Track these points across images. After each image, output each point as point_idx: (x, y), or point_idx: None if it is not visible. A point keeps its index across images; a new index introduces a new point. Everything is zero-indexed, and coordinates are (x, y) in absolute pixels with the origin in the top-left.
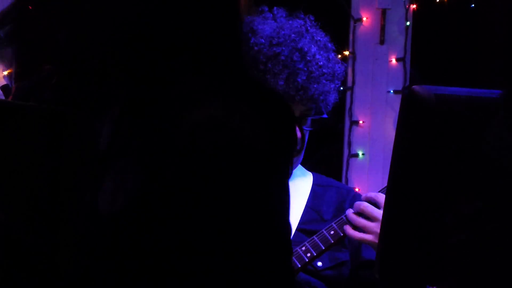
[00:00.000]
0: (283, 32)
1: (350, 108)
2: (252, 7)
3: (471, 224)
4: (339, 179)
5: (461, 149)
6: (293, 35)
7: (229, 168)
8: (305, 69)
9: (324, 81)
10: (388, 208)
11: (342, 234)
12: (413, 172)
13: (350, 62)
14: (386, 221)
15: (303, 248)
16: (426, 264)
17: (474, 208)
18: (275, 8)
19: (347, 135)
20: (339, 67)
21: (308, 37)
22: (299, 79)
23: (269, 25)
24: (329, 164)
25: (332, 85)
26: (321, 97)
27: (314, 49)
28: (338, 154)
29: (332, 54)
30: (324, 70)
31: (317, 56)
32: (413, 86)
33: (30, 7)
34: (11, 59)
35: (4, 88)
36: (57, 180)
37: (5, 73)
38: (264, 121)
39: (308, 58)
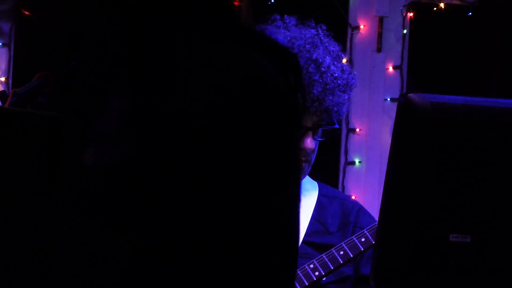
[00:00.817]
0: (297, 43)
1: (347, 116)
2: (251, 14)
3: (467, 228)
4: (336, 187)
5: (457, 157)
6: (307, 45)
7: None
8: (321, 80)
9: (338, 92)
10: (383, 216)
11: (352, 255)
12: (408, 180)
13: None
14: (381, 229)
15: (311, 266)
16: (420, 272)
17: (469, 211)
18: (286, 16)
19: (344, 142)
20: (352, 77)
21: (322, 48)
22: (314, 91)
23: (282, 35)
24: (325, 172)
25: (346, 96)
26: (335, 108)
27: (328, 60)
28: (335, 162)
29: (345, 64)
30: (339, 82)
31: (332, 68)
32: (409, 94)
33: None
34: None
35: (1, 94)
36: (53, 184)
37: (2, 79)
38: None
39: (322, 69)
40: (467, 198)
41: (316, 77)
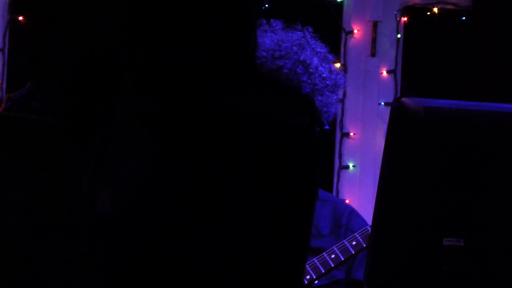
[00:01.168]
0: (284, 45)
1: (341, 120)
2: None
3: (460, 232)
4: (330, 191)
5: (450, 161)
6: (294, 47)
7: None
8: (309, 81)
9: (327, 92)
10: (377, 220)
11: (343, 259)
12: (402, 184)
13: None
14: (375, 233)
15: None
16: (414, 276)
17: (462, 216)
18: (272, 20)
19: (338, 147)
20: (340, 78)
21: (309, 49)
22: (303, 92)
23: (269, 38)
24: (320, 176)
25: (335, 96)
26: (325, 109)
27: (316, 61)
28: (329, 166)
29: (333, 65)
30: (327, 82)
31: (320, 68)
32: (402, 98)
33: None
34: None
35: None
36: (48, 190)
37: None
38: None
39: (311, 70)
40: (460, 202)
41: (305, 78)
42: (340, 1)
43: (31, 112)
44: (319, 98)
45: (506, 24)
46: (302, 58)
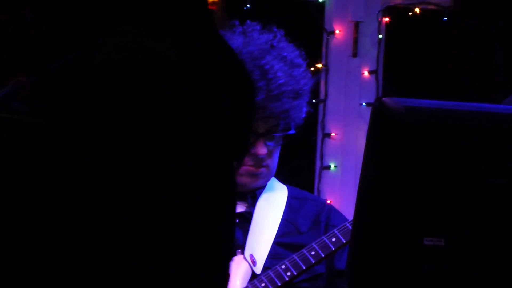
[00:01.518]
0: (245, 50)
1: (323, 121)
2: (225, 20)
3: (440, 232)
4: (311, 191)
5: (431, 161)
6: (256, 52)
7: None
8: (264, 88)
9: (284, 99)
10: (357, 220)
11: (323, 255)
12: (382, 184)
13: (323, 74)
14: (355, 233)
15: (283, 267)
16: (394, 276)
17: (443, 215)
18: (248, 22)
19: (319, 147)
20: (304, 83)
21: (274, 53)
22: (257, 98)
23: (235, 41)
24: (301, 176)
25: (296, 102)
26: (282, 115)
27: (277, 66)
28: (310, 166)
29: (299, 70)
30: (284, 88)
31: (279, 74)
32: (383, 98)
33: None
34: None
35: None
36: (29, 189)
37: None
38: (200, 59)
39: (269, 76)
40: (441, 202)
41: (261, 84)
42: (322, 1)
43: (11, 112)
44: (274, 104)
45: (488, 24)
46: (262, 63)
